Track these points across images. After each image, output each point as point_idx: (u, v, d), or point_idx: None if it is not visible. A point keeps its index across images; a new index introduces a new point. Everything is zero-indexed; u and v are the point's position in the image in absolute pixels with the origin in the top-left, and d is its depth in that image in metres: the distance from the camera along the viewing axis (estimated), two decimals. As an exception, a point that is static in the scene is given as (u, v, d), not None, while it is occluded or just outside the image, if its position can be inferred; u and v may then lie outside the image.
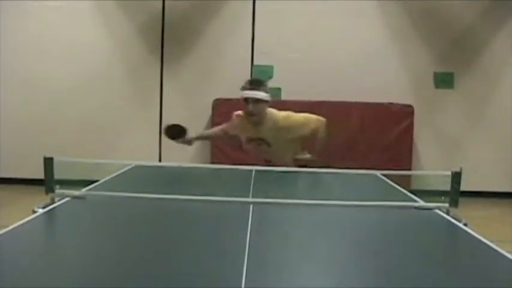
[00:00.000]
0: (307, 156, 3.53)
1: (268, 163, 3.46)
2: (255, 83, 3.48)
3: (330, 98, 6.14)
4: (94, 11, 6.35)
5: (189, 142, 3.65)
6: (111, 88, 6.40)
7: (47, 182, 2.18)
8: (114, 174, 2.96)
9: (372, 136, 6.11)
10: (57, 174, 2.21)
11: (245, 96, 3.41)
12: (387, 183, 3.00)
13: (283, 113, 3.51)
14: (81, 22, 6.31)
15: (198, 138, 3.97)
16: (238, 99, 5.83)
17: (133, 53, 6.38)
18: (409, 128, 6.23)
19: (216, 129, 4.03)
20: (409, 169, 6.01)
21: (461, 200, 2.18)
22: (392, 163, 5.61)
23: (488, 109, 6.43)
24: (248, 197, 2.38)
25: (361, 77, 6.19)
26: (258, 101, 3.38)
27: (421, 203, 2.39)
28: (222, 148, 6.20)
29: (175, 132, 3.60)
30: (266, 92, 3.42)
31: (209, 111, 6.33)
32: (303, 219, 2.10)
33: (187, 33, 6.39)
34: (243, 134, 3.62)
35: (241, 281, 1.33)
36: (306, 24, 6.32)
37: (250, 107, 3.39)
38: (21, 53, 6.32)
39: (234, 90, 6.30)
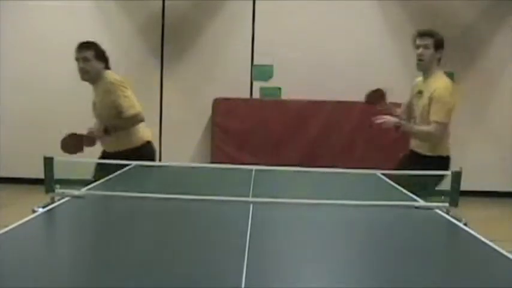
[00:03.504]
0: None
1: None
2: (422, 32, 3.62)
3: (330, 97, 6.14)
4: (94, 11, 6.35)
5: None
6: (111, 88, 6.39)
7: (47, 182, 2.18)
8: (114, 174, 2.96)
9: (371, 136, 6.10)
10: (57, 174, 2.21)
11: (417, 43, 3.57)
12: (387, 183, 3.00)
13: (444, 81, 3.56)
14: (81, 22, 6.31)
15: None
16: (238, 99, 5.92)
17: (133, 53, 6.38)
18: (409, 128, 6.22)
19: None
20: (409, 169, 6.00)
21: (461, 200, 2.18)
22: (392, 163, 5.61)
23: (488, 109, 6.43)
24: (248, 197, 2.38)
25: (361, 76, 6.18)
26: (426, 46, 3.54)
27: (421, 202, 2.39)
28: (222, 148, 6.20)
29: (377, 97, 3.75)
30: (435, 40, 3.58)
31: (209, 111, 6.33)
32: (303, 219, 2.10)
33: (187, 33, 6.39)
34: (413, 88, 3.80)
35: (241, 281, 1.33)
36: (306, 24, 6.32)
37: (420, 50, 3.53)
38: (21, 53, 6.32)
39: (234, 90, 6.40)
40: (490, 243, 1.75)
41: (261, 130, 6.18)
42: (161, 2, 6.34)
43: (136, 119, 3.61)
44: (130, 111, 3.56)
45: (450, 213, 2.18)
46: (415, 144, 3.70)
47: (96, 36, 6.41)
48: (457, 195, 2.19)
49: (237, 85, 6.34)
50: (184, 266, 1.49)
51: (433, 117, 3.45)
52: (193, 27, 6.39)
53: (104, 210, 2.19)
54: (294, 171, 3.10)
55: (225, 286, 1.34)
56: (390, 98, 6.57)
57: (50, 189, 2.18)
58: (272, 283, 1.38)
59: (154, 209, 2.16)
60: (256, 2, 6.35)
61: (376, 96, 3.83)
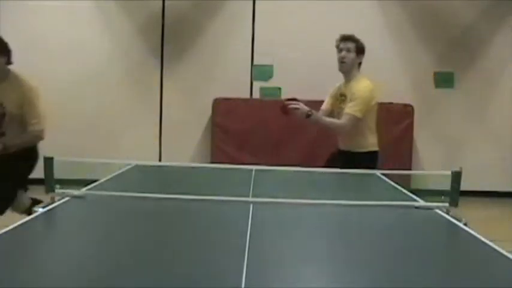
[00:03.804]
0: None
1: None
2: (345, 36, 3.74)
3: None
4: (94, 11, 6.35)
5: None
6: (111, 88, 6.39)
7: (47, 182, 2.18)
8: (114, 174, 2.96)
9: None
10: (57, 174, 2.21)
11: (340, 46, 3.71)
12: (387, 183, 3.00)
13: (365, 83, 3.67)
14: (81, 22, 6.31)
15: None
16: (238, 99, 5.85)
17: (133, 53, 6.39)
18: (409, 128, 6.23)
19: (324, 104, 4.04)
20: (409, 169, 6.00)
21: (461, 200, 2.18)
22: (393, 163, 5.61)
23: (488, 109, 6.43)
24: (248, 197, 2.38)
25: (361, 76, 6.19)
26: (348, 50, 3.66)
27: (421, 202, 2.39)
28: (222, 148, 6.20)
29: (286, 110, 3.70)
30: (357, 45, 3.71)
31: (209, 111, 6.33)
32: (303, 219, 2.10)
33: (187, 33, 6.39)
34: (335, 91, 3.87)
35: (241, 281, 1.33)
36: (306, 24, 6.33)
37: (342, 53, 3.66)
38: (21, 53, 6.27)
39: (234, 90, 6.41)
40: (490, 243, 1.74)
41: (261, 130, 6.18)
42: (161, 2, 6.34)
43: (40, 137, 3.36)
44: (40, 125, 3.33)
45: (450, 213, 2.17)
46: (343, 145, 3.79)
47: (96, 36, 6.47)
48: (457, 195, 2.19)
49: (237, 85, 6.35)
50: (184, 266, 1.49)
51: (346, 110, 3.57)
52: (193, 27, 6.39)
53: (104, 210, 2.19)
54: (294, 171, 3.10)
55: (225, 286, 1.34)
56: (390, 98, 6.61)
57: (50, 189, 2.18)
58: (272, 283, 1.38)
59: (154, 209, 2.16)
60: (256, 2, 6.35)
61: (284, 109, 3.78)
